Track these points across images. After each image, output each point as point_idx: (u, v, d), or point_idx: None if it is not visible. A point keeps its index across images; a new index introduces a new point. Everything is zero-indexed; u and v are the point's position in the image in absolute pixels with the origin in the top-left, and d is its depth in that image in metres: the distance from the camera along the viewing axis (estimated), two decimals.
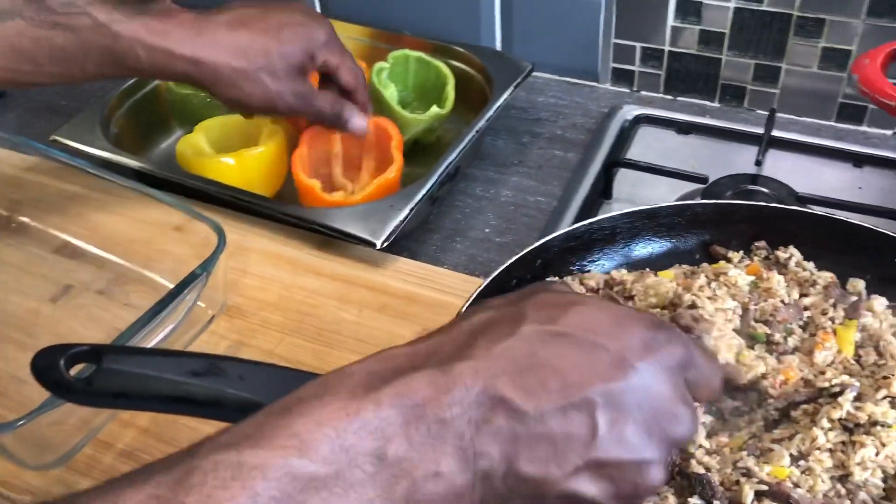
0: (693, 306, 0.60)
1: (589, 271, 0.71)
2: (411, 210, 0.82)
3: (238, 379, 0.53)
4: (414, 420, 0.38)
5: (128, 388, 0.52)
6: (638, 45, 1.06)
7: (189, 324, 0.73)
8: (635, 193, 0.94)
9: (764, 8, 0.96)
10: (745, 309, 0.63)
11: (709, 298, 0.62)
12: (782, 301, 0.64)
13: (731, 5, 0.98)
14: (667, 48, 1.05)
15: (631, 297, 0.66)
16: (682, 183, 0.91)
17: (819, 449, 0.54)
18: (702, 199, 0.88)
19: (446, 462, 0.38)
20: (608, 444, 0.41)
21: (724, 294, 0.63)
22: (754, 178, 0.90)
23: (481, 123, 0.92)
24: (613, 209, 0.92)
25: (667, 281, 0.65)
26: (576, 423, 0.40)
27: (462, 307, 0.64)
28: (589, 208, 0.93)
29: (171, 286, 0.77)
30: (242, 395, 0.52)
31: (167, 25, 0.75)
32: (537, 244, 0.69)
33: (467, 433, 0.39)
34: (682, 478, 0.53)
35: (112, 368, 0.52)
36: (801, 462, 0.54)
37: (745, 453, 0.55)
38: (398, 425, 0.38)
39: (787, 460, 0.53)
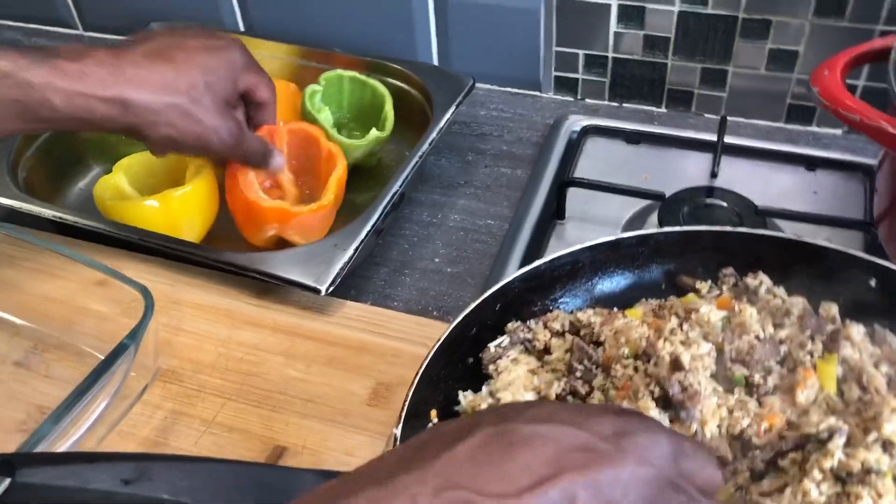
0: (676, 364, 0.56)
1: (552, 311, 0.67)
2: (357, 248, 0.77)
3: (174, 482, 0.47)
4: None
5: None
6: (581, 52, 1.02)
7: (121, 397, 0.66)
8: (588, 211, 0.90)
9: (709, 11, 0.93)
10: (721, 350, 0.59)
11: (682, 343, 0.58)
12: (757, 337, 0.60)
13: (675, 9, 0.94)
14: (610, 54, 1.01)
15: (600, 343, 0.62)
16: (637, 199, 0.87)
17: None
18: (658, 215, 0.84)
19: None
20: None
21: (697, 336, 0.59)
22: (711, 191, 0.86)
23: (425, 147, 0.87)
24: (567, 229, 0.89)
25: (637, 324, 0.61)
26: None
27: (424, 361, 0.59)
28: (542, 230, 0.88)
29: (96, 352, 0.71)
30: (181, 502, 0.47)
31: (83, 66, 0.67)
32: (496, 288, 0.64)
33: None
34: None
35: (29, 483, 0.46)
36: None
37: None
38: None
39: None
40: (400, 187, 0.83)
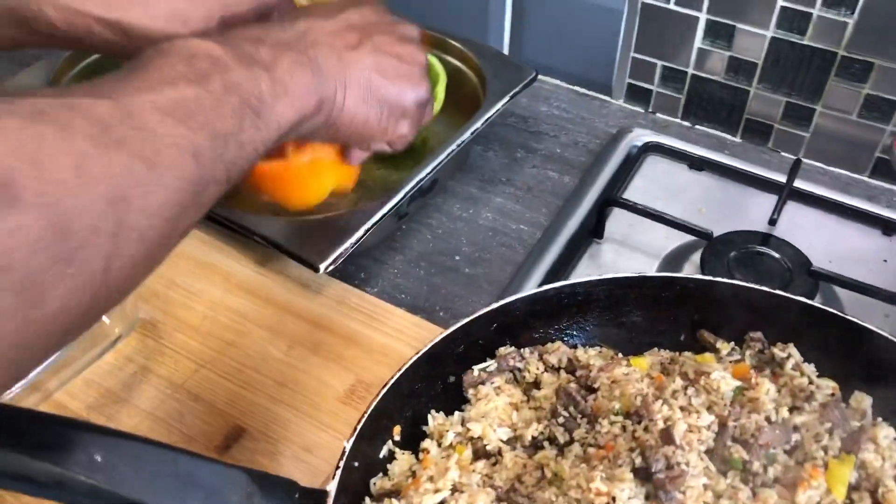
0: (667, 436, 0.50)
1: (554, 341, 0.61)
2: (367, 230, 0.72)
3: (91, 457, 0.44)
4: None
5: None
6: (659, 62, 0.94)
7: (92, 342, 0.63)
8: (630, 235, 0.83)
9: (805, 42, 0.84)
10: (723, 425, 0.53)
11: (682, 409, 0.52)
12: (768, 419, 0.53)
13: (769, 34, 0.85)
14: (690, 70, 0.93)
15: (593, 390, 0.56)
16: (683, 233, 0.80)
17: None
18: (702, 255, 0.77)
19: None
20: None
21: (700, 404, 0.53)
22: (766, 239, 0.79)
23: (466, 135, 0.81)
24: (603, 251, 0.83)
25: (637, 377, 0.55)
26: None
27: (398, 372, 0.54)
28: (576, 247, 0.82)
29: None
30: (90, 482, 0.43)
31: None
32: (495, 306, 0.59)
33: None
34: None
35: None
36: None
37: None
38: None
39: None
40: (430, 173, 0.77)
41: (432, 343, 0.56)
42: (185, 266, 0.73)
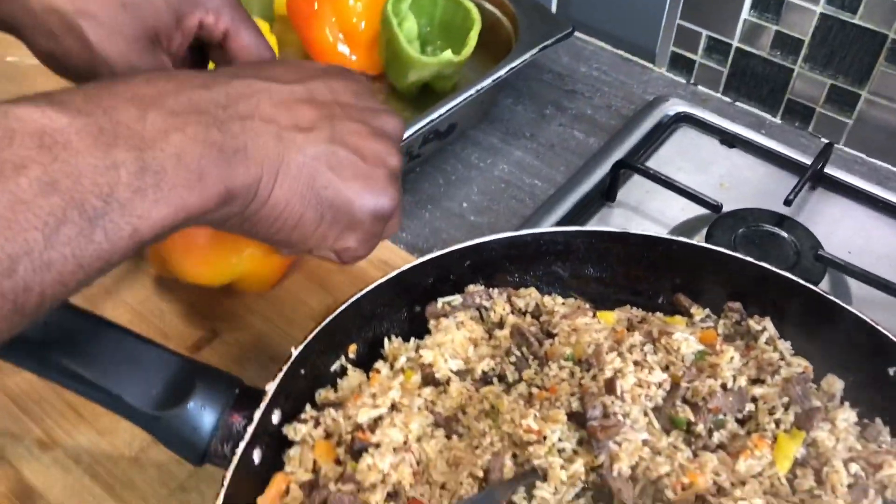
0: (610, 386, 0.49)
1: (529, 287, 0.61)
2: None
3: (76, 347, 0.46)
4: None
5: None
6: (704, 32, 0.91)
7: None
8: (644, 202, 0.82)
9: (856, 21, 0.80)
10: (676, 384, 0.52)
11: (635, 363, 0.51)
12: (724, 386, 0.52)
13: (818, 10, 0.82)
14: (735, 43, 0.90)
15: (551, 336, 0.55)
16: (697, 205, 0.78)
17: None
18: (709, 229, 0.75)
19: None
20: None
21: (655, 362, 0.52)
22: (779, 219, 0.76)
23: (486, 82, 0.80)
24: (613, 214, 0.81)
25: (597, 328, 0.54)
26: None
27: (362, 290, 0.55)
28: (586, 207, 0.81)
29: None
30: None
31: None
32: (470, 243, 0.59)
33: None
34: None
35: None
36: None
37: None
38: None
39: None
40: (443, 115, 0.77)
41: (401, 270, 0.57)
42: None
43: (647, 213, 0.81)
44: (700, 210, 0.78)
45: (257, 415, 0.48)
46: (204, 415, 0.48)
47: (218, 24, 0.53)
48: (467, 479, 0.48)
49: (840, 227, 0.79)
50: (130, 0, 0.50)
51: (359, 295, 0.55)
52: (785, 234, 0.74)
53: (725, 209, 0.76)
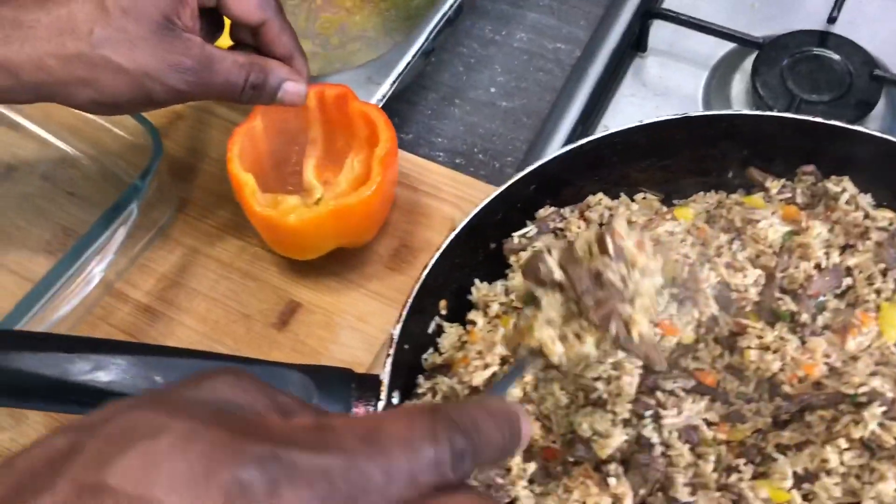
0: None
1: (595, 194, 0.59)
2: (393, 83, 0.69)
3: (152, 378, 0.47)
4: None
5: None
6: None
7: (142, 228, 0.64)
8: (676, 44, 0.77)
9: None
10: (771, 276, 0.52)
11: (727, 268, 0.51)
12: (818, 266, 0.52)
13: None
14: None
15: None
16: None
17: (829, 472, 0.46)
18: (753, 65, 0.71)
19: None
20: None
21: (745, 258, 0.52)
22: (823, 38, 0.72)
23: None
24: (647, 65, 0.78)
25: (678, 233, 0.53)
26: None
27: (439, 250, 0.54)
28: (618, 64, 0.77)
29: (122, 174, 0.69)
30: None
31: None
32: (532, 168, 0.57)
33: None
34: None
35: (5, 367, 0.46)
36: (806, 485, 0.46)
37: (742, 461, 0.48)
38: None
39: (789, 481, 0.46)
40: (448, 11, 0.72)
41: (470, 216, 0.55)
42: (216, 136, 0.71)
43: (681, 55, 0.77)
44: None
45: (381, 406, 0.49)
46: None
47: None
48: None
49: (886, 32, 0.74)
50: (127, 4, 0.49)
51: (437, 256, 0.54)
52: (834, 55, 0.71)
53: (761, 32, 0.73)
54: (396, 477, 0.27)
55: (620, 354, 0.49)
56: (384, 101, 0.68)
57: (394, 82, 0.68)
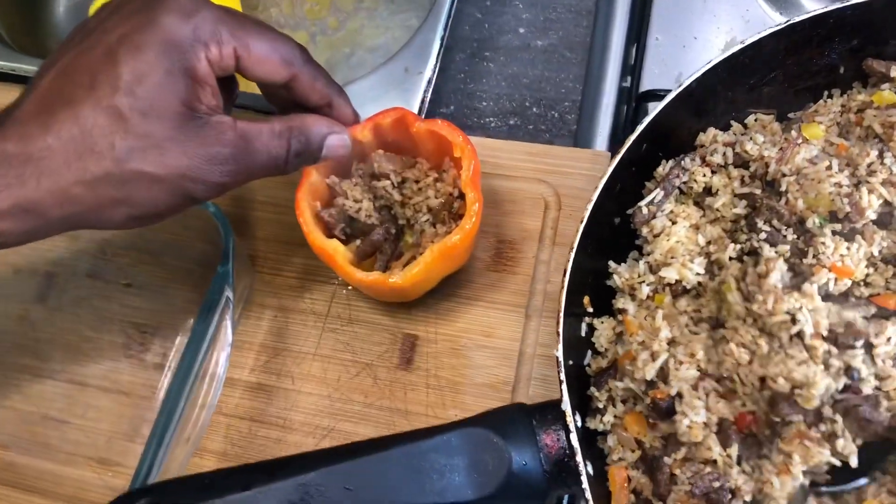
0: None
1: (706, 130, 0.54)
2: (434, 66, 0.62)
3: (339, 491, 0.43)
4: None
5: None
6: None
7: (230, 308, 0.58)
8: None
9: None
10: None
11: (884, 184, 0.46)
12: None
13: None
14: None
15: (770, 184, 0.50)
16: None
17: None
18: None
19: None
20: None
21: None
22: None
23: None
24: None
25: (825, 165, 0.48)
26: None
27: (572, 251, 0.49)
28: None
29: (167, 256, 0.63)
30: None
31: None
32: (636, 135, 0.50)
33: None
34: None
35: None
36: None
37: None
38: None
39: None
40: None
41: (592, 201, 0.50)
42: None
43: None
44: None
45: (574, 439, 0.45)
46: (527, 463, 0.45)
47: (223, 54, 0.46)
48: None
49: None
50: (142, 97, 0.44)
51: (572, 256, 0.49)
52: None
53: None
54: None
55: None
56: (430, 89, 0.61)
57: (434, 66, 0.61)
